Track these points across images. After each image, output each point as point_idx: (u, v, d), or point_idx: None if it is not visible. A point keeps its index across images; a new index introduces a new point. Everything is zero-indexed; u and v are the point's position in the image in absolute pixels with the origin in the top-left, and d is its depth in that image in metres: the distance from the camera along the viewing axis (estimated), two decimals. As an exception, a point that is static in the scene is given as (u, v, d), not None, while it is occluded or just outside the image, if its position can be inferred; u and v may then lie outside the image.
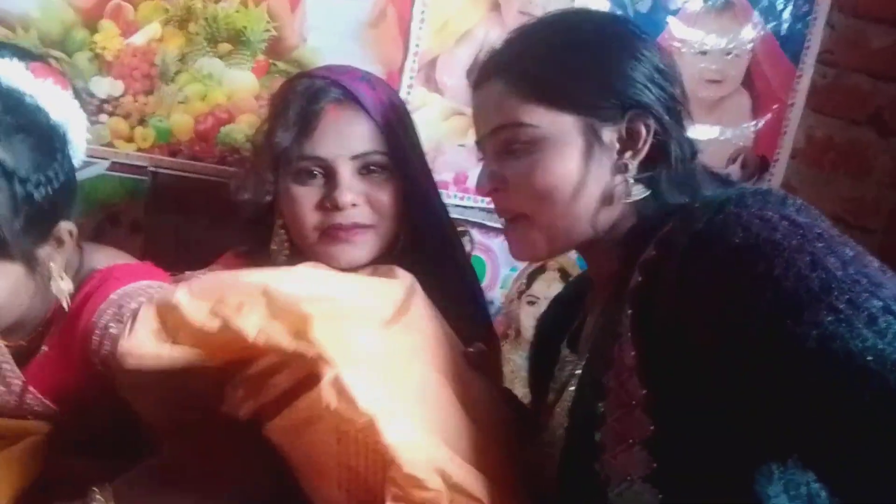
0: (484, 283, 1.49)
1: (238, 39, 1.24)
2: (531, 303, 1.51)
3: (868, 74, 1.55)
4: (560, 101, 0.74)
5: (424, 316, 0.80)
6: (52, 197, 0.80)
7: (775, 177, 1.55)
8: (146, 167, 1.26)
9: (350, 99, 0.92)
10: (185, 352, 0.63)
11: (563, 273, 1.50)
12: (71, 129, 0.88)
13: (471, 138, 0.98)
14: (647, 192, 0.75)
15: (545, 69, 0.75)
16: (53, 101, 0.85)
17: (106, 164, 1.24)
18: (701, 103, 1.48)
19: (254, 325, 0.59)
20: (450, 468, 0.63)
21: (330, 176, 0.91)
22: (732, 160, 1.52)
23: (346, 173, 0.91)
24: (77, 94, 0.93)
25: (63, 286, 0.85)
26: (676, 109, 0.77)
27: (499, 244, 1.42)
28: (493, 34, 1.32)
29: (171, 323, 0.63)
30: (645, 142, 0.74)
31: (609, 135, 0.74)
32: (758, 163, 1.53)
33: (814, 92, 1.53)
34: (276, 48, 1.26)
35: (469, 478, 0.65)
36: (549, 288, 1.49)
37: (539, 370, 0.93)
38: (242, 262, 1.04)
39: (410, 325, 0.74)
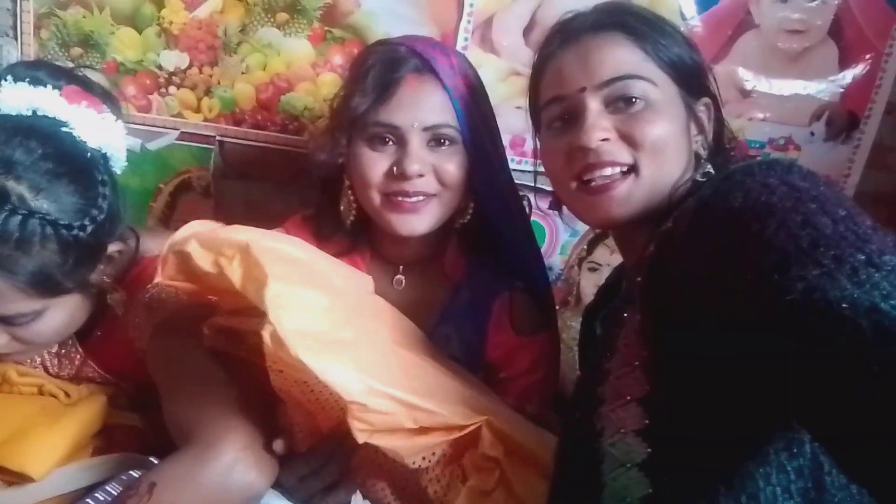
0: (543, 249, 1.46)
1: (294, 8, 1.26)
2: (593, 269, 1.48)
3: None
4: (672, 71, 0.79)
5: (384, 309, 0.92)
6: (97, 231, 0.81)
7: (867, 134, 1.42)
8: (213, 136, 1.32)
9: (428, 70, 0.94)
10: (190, 287, 0.86)
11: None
12: (111, 148, 0.88)
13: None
14: (713, 173, 0.78)
15: (665, 38, 0.80)
16: (89, 127, 0.85)
17: (176, 133, 1.31)
18: (781, 56, 1.38)
19: (238, 276, 0.74)
20: (396, 393, 0.72)
21: (401, 144, 0.95)
22: (816, 117, 1.41)
23: (416, 143, 0.94)
24: (110, 99, 0.94)
25: (117, 297, 0.89)
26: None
27: (559, 209, 1.38)
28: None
29: (184, 266, 0.81)
30: (710, 127, 0.82)
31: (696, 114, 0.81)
32: (846, 120, 1.41)
33: (916, 38, 1.38)
34: (331, 15, 1.28)
35: (418, 399, 0.73)
36: (611, 255, 1.45)
37: (587, 356, 0.95)
38: (306, 226, 1.09)
39: (364, 304, 0.84)
